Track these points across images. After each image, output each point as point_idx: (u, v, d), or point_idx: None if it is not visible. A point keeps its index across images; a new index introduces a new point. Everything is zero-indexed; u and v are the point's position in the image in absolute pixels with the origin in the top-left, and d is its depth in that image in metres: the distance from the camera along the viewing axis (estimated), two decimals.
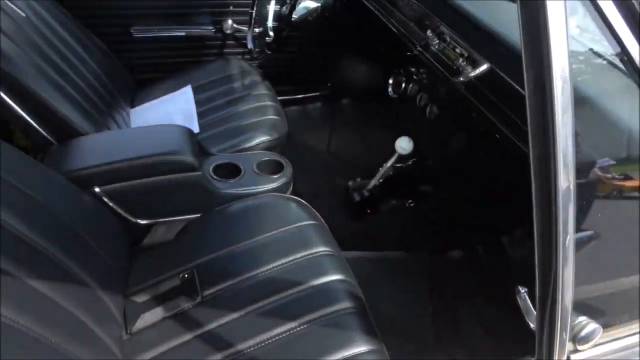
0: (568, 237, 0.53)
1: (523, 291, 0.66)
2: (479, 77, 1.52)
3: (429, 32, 1.73)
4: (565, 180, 0.52)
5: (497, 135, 1.50)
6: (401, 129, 2.60)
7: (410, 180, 2.05)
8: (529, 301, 0.66)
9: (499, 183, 2.09)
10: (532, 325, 0.66)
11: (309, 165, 2.40)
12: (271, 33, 2.06)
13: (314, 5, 2.05)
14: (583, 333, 0.62)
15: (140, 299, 1.32)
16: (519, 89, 1.38)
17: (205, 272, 1.37)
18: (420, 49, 1.77)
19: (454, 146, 2.20)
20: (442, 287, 1.90)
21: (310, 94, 2.83)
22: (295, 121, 2.62)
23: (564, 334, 0.59)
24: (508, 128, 1.40)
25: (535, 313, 0.65)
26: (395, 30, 1.93)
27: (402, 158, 1.84)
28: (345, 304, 1.26)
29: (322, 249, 1.40)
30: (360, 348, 1.18)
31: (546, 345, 0.60)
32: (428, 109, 2.23)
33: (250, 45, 2.15)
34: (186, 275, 1.37)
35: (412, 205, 2.02)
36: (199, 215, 1.55)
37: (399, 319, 1.76)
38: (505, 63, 1.42)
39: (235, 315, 1.26)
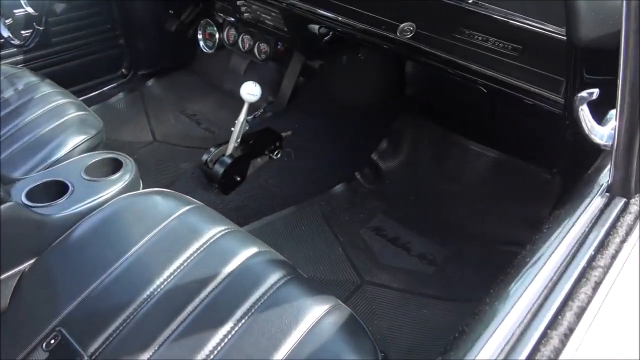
0: None
1: (586, 95, 0.52)
2: None
3: None
4: None
5: (338, 31, 1.37)
6: (232, 83, 2.37)
7: (268, 129, 1.84)
8: (589, 113, 0.53)
9: (355, 97, 2.04)
10: (600, 141, 0.54)
11: (144, 162, 2.00)
12: (29, 9, 1.57)
13: None
14: None
15: None
16: None
17: (77, 324, 1.00)
18: None
19: (298, 75, 2.06)
20: (340, 223, 1.78)
21: (106, 87, 2.37)
22: (103, 121, 2.17)
23: None
24: (355, 19, 1.27)
25: (597, 125, 0.53)
26: None
27: (254, 106, 1.60)
28: (276, 275, 1.04)
29: (217, 229, 1.13)
30: (319, 311, 0.98)
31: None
32: (256, 50, 2.03)
33: (4, 34, 1.63)
34: (52, 341, 0.98)
35: (279, 155, 1.82)
36: (34, 260, 1.12)
37: (318, 271, 1.60)
38: None
39: (147, 355, 0.93)
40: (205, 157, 1.68)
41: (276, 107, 2.16)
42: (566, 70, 0.94)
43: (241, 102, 1.62)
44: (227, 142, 1.69)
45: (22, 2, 1.59)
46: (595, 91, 0.52)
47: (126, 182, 1.30)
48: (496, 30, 1.07)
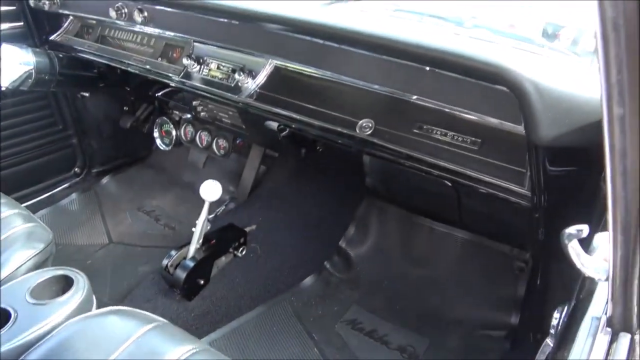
0: None
1: (575, 232, 0.49)
2: (264, 85, 1.37)
3: (184, 60, 1.49)
4: None
5: (296, 128, 1.37)
6: (191, 177, 2.31)
7: (231, 226, 1.78)
8: (581, 249, 0.50)
9: (317, 185, 2.01)
10: (595, 275, 0.51)
11: (100, 269, 1.88)
12: None
13: (25, 69, 1.59)
14: None
15: None
16: (310, 71, 1.29)
17: None
18: (180, 79, 1.52)
19: (259, 165, 2.04)
20: (313, 319, 1.69)
21: (57, 189, 2.27)
22: (54, 225, 2.04)
23: None
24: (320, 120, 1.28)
25: (588, 257, 0.50)
26: (139, 72, 1.63)
27: (215, 202, 1.55)
28: None
29: (181, 351, 1.03)
30: None
31: (632, 288, 0.45)
32: (214, 146, 2.01)
33: None
34: None
35: (244, 252, 1.74)
36: None
37: None
38: (293, 52, 1.29)
39: None
40: (165, 261, 1.58)
41: (238, 200, 2.11)
42: (529, 164, 0.95)
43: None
44: (188, 242, 1.61)
45: None
46: (585, 228, 0.51)
47: (78, 303, 1.20)
48: (454, 124, 1.09)
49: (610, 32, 0.33)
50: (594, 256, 0.53)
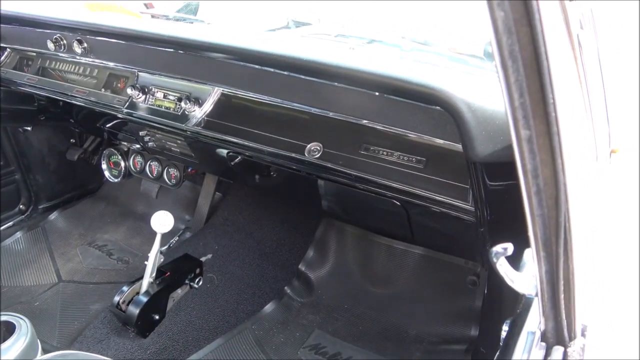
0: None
1: (501, 250, 0.50)
2: (211, 113, 1.36)
3: (128, 90, 1.46)
4: None
5: (247, 155, 1.37)
6: (144, 207, 2.24)
7: (186, 256, 1.73)
8: (509, 266, 0.51)
9: (273, 210, 2.00)
10: (525, 291, 0.51)
11: (48, 310, 1.78)
12: None
13: None
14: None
15: None
16: (257, 98, 1.29)
17: None
18: (127, 110, 1.49)
19: (214, 192, 2.00)
20: (275, 346, 1.66)
21: (0, 227, 2.15)
22: None
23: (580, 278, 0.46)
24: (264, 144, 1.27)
25: (519, 274, 0.50)
26: (83, 104, 1.59)
27: (168, 235, 1.51)
28: None
29: None
30: None
31: (566, 302, 0.46)
32: (166, 175, 1.96)
33: None
34: None
35: (200, 282, 1.70)
36: None
37: None
38: (238, 79, 1.28)
39: None
40: (117, 298, 1.52)
41: (193, 229, 2.07)
42: (469, 180, 0.98)
43: None
44: (141, 277, 1.55)
45: None
46: (509, 246, 0.52)
47: (20, 350, 1.13)
48: (399, 144, 1.11)
49: (507, 60, 0.35)
50: (524, 272, 0.55)
